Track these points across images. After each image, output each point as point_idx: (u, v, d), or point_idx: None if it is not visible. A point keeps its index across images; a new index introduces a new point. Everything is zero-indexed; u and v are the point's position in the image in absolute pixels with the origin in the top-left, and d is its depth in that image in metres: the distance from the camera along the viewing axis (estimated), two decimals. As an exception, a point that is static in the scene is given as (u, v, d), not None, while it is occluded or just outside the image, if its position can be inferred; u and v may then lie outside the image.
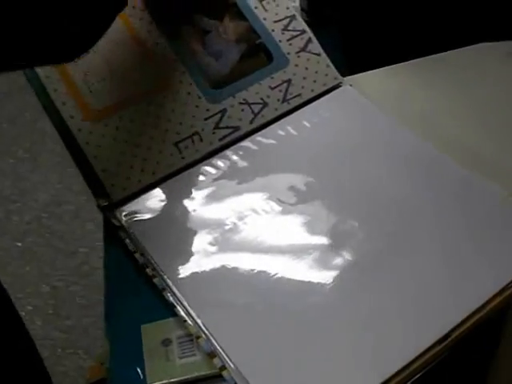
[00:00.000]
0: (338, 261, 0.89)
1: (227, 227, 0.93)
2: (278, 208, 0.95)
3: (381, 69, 1.20)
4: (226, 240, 0.92)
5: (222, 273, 0.89)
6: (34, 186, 2.69)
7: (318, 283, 0.87)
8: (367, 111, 1.09)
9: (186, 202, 0.97)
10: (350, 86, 1.14)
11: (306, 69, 1.12)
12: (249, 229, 0.93)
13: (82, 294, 2.31)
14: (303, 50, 1.13)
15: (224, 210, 0.96)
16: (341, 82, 1.13)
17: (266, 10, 1.14)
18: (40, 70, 1.00)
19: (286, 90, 1.10)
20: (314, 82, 1.12)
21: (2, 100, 3.13)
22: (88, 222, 2.54)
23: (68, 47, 0.77)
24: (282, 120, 1.08)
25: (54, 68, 1.00)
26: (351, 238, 0.92)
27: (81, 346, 2.19)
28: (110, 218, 0.97)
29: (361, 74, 1.19)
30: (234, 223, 0.94)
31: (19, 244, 2.47)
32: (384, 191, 0.97)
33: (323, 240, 0.91)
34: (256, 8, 1.13)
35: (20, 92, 3.11)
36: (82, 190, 2.50)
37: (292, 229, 0.93)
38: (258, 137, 1.05)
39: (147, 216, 0.95)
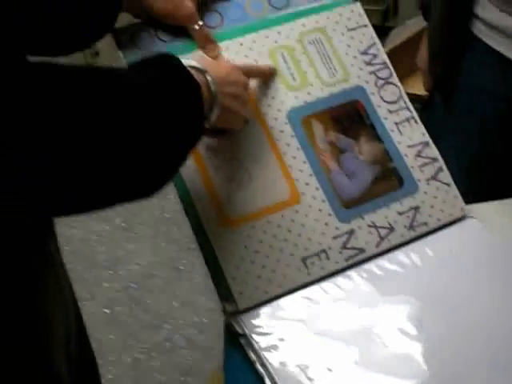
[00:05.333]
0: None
1: (348, 350, 0.95)
2: (398, 339, 0.96)
3: (505, 200, 1.21)
4: (344, 364, 0.93)
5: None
6: (128, 256, 2.75)
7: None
8: (490, 246, 1.11)
9: (309, 319, 0.99)
10: (473, 217, 1.15)
11: (435, 197, 1.14)
12: (368, 357, 0.94)
13: (161, 370, 2.33)
14: (433, 178, 1.15)
15: (344, 332, 0.97)
16: (466, 214, 1.15)
17: (401, 134, 1.17)
18: (185, 172, 1.04)
19: (414, 217, 1.12)
20: (441, 211, 1.14)
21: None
22: (174, 298, 2.58)
23: (150, 183, 0.82)
24: (407, 246, 1.10)
25: (198, 172, 1.05)
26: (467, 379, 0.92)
27: (155, 423, 2.21)
28: (234, 325, 0.99)
29: (484, 204, 1.21)
30: (356, 348, 0.95)
31: (107, 311, 2.52)
32: (505, 332, 0.98)
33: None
34: (392, 131, 1.16)
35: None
36: (171, 265, 2.55)
37: (412, 363, 0.94)
38: (382, 261, 1.07)
39: (270, 329, 0.98)
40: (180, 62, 0.89)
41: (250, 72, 1.10)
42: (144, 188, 0.81)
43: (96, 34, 1.05)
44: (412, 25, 2.66)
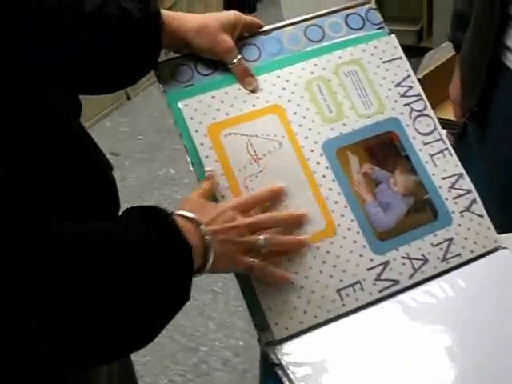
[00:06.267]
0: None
1: (382, 380, 0.97)
2: (432, 369, 0.98)
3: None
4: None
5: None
6: (164, 278, 2.78)
7: None
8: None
9: (343, 350, 1.01)
10: (506, 248, 1.15)
11: (468, 229, 1.15)
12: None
13: (197, 392, 2.35)
14: (467, 209, 1.17)
15: (378, 363, 0.99)
16: (499, 246, 1.16)
17: (435, 166, 1.18)
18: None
19: (447, 249, 1.13)
20: (475, 243, 1.15)
21: (144, 191, 3.28)
22: (210, 320, 2.60)
23: (138, 341, 0.85)
24: (440, 278, 1.11)
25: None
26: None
27: None
28: (270, 355, 1.01)
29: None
30: (390, 378, 0.97)
31: (144, 333, 2.54)
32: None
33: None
34: (427, 162, 1.18)
35: (159, 184, 3.25)
36: (208, 288, 2.58)
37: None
38: (415, 293, 1.09)
39: (306, 359, 0.99)
40: (170, 217, 0.90)
41: (252, 204, 1.06)
42: (131, 345, 0.84)
43: (140, 73, 1.09)
44: (447, 48, 2.66)
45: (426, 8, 4.08)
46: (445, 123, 1.71)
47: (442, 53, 2.65)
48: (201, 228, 0.94)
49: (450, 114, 1.76)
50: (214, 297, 2.69)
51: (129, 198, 3.14)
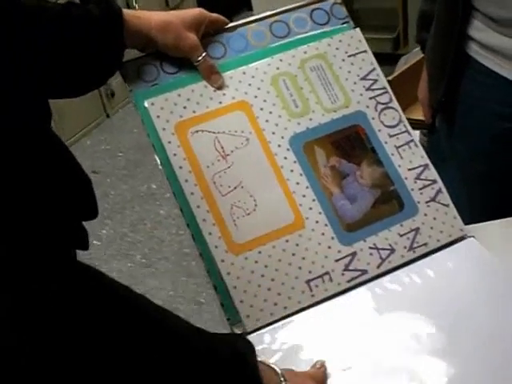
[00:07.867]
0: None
1: (350, 366, 0.97)
2: (398, 354, 0.99)
3: (503, 220, 1.24)
4: (346, 379, 0.96)
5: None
6: (149, 292, 2.78)
7: None
8: (490, 265, 1.12)
9: (313, 338, 1.02)
10: (473, 237, 1.16)
11: (434, 219, 1.16)
12: (369, 372, 0.97)
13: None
14: (433, 199, 1.18)
15: (347, 350, 1.00)
16: (466, 234, 1.17)
17: (401, 158, 1.19)
18: (192, 200, 1.07)
19: (414, 239, 1.14)
20: (441, 232, 1.16)
21: (126, 207, 3.28)
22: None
23: None
24: (408, 267, 1.12)
25: (204, 199, 1.08)
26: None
27: None
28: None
29: (483, 224, 1.23)
30: (358, 363, 0.98)
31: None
32: (503, 347, 0.99)
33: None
34: (392, 154, 1.19)
35: (141, 200, 3.26)
36: (192, 299, 2.56)
37: (414, 375, 0.96)
38: (383, 281, 1.09)
39: (276, 347, 1.00)
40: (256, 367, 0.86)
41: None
42: None
43: (106, 73, 1.10)
44: (419, 52, 2.69)
45: (401, 16, 4.11)
46: (416, 123, 1.72)
47: (415, 57, 2.67)
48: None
49: (420, 115, 1.77)
50: (199, 307, 2.69)
51: (111, 214, 3.14)
